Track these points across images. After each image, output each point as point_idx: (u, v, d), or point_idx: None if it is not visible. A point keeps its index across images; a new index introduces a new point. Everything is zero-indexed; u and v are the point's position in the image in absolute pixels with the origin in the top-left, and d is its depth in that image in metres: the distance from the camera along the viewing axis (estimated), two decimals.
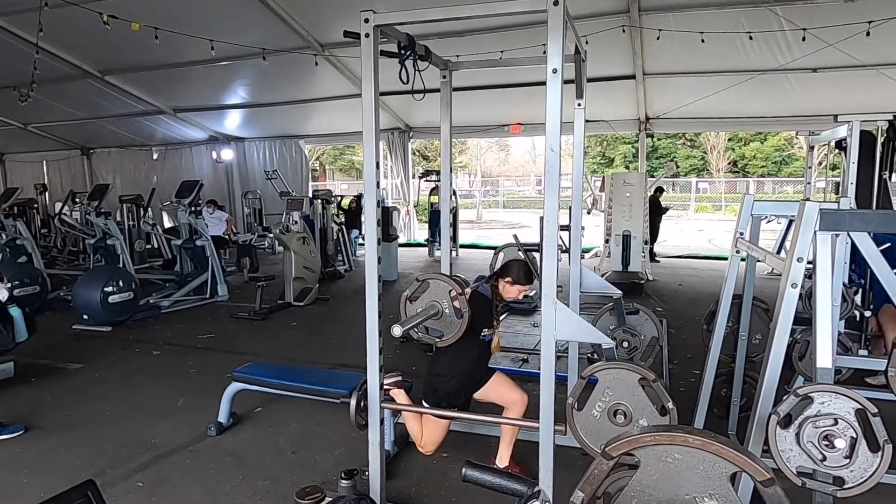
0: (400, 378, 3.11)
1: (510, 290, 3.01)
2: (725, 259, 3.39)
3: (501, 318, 3.16)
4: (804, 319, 2.90)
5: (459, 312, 2.58)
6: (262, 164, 13.68)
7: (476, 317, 2.72)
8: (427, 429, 3.06)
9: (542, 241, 2.33)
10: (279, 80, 10.20)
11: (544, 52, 2.21)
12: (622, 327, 3.78)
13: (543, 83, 2.20)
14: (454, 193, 11.88)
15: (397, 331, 2.45)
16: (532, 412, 2.49)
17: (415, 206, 14.35)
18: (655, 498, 1.17)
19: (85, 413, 4.16)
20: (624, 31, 7.60)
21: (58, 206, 13.08)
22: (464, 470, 1.21)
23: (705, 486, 1.15)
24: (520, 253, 3.51)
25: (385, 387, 2.86)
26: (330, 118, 12.07)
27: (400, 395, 3.08)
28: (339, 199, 11.93)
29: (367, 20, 2.42)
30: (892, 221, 2.37)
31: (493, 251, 6.76)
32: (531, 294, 6.93)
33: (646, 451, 1.17)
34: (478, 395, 3.12)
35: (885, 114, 5.05)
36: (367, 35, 2.43)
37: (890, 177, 5.36)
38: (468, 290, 2.73)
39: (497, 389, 3.13)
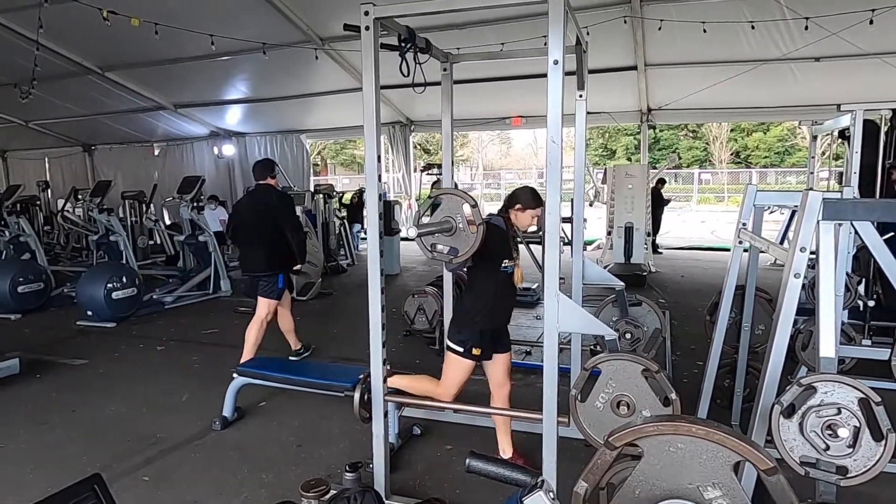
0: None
1: (523, 218, 2.98)
2: (728, 250, 3.39)
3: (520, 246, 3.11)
4: (807, 310, 2.90)
5: (473, 224, 2.51)
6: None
7: (494, 246, 2.71)
8: (448, 372, 3.02)
9: (544, 233, 2.32)
10: (280, 75, 10.17)
11: (545, 44, 2.20)
12: (625, 319, 3.78)
13: (545, 75, 2.20)
14: (456, 187, 11.84)
15: (413, 232, 2.41)
16: (535, 404, 2.50)
17: (417, 200, 14.34)
18: (659, 487, 1.17)
19: (90, 408, 4.18)
20: (625, 21, 7.55)
21: (60, 202, 13.10)
22: (468, 461, 1.21)
23: (708, 476, 1.15)
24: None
25: None
26: (331, 112, 12.04)
27: (394, 380, 3.08)
28: (340, 195, 11.92)
29: (367, 13, 2.42)
30: (895, 210, 2.36)
31: None
32: (534, 286, 6.96)
33: (649, 441, 1.18)
34: (484, 363, 3.11)
35: (889, 102, 5.03)
36: (367, 28, 2.43)
37: (894, 166, 5.33)
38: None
39: (497, 364, 3.12)
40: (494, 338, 3.06)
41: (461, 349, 2.96)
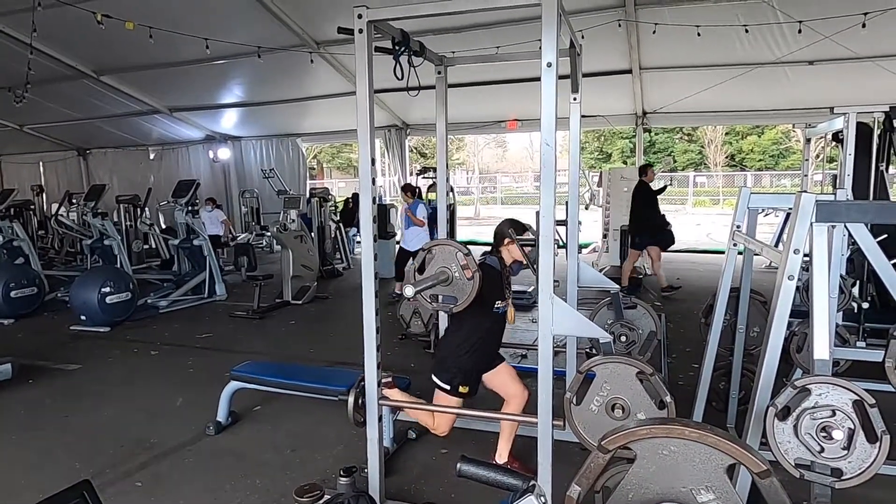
0: (390, 379, 3.09)
1: (515, 249, 2.99)
2: (723, 253, 3.39)
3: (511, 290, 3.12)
4: (802, 312, 2.90)
5: (470, 274, 2.52)
6: (260, 162, 13.64)
7: (487, 289, 2.71)
8: (439, 413, 3.04)
9: (538, 236, 2.32)
10: (275, 79, 10.16)
11: (540, 48, 2.20)
12: (620, 322, 3.78)
13: (539, 78, 2.19)
14: (451, 190, 11.84)
15: (409, 291, 2.41)
16: (531, 407, 2.50)
17: None
18: (652, 490, 1.17)
19: (83, 413, 4.16)
20: (620, 25, 7.57)
21: (54, 207, 13.05)
22: (458, 465, 1.21)
23: (702, 479, 1.15)
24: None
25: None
26: (327, 116, 12.04)
27: (394, 394, 3.08)
28: (335, 201, 11.90)
29: (360, 16, 2.42)
30: (888, 212, 2.37)
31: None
32: (529, 290, 6.96)
33: (642, 444, 1.17)
34: (483, 377, 3.11)
35: (882, 105, 5.04)
36: (360, 31, 2.42)
37: (887, 168, 5.35)
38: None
39: (502, 378, 3.12)
40: (483, 371, 3.07)
41: (448, 387, 2.96)
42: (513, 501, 1.06)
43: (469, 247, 2.65)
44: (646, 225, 7.73)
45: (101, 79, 10.36)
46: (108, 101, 11.21)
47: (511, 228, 2.99)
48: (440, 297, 2.58)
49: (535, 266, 2.37)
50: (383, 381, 2.99)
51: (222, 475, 3.25)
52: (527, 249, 2.97)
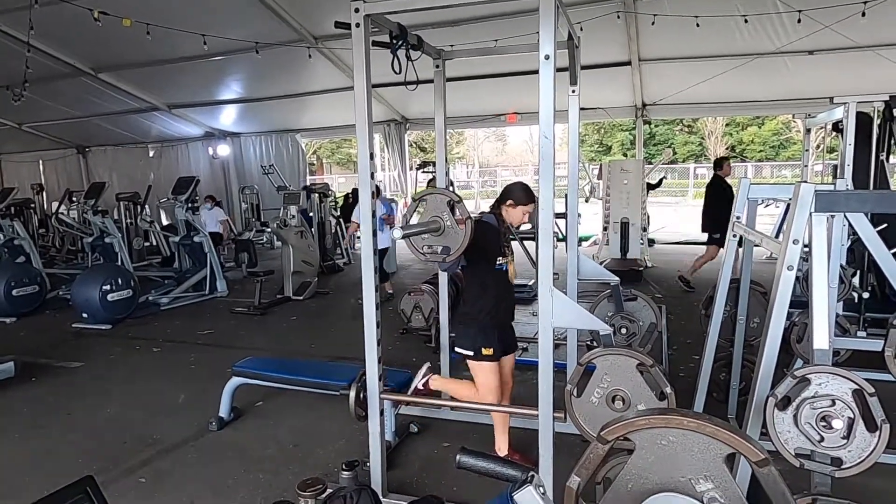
0: (429, 365, 3.14)
1: (514, 214, 2.97)
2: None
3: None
4: (802, 302, 2.90)
5: (461, 221, 2.49)
6: (259, 159, 13.62)
7: (487, 244, 2.73)
8: (479, 380, 3.01)
9: (538, 229, 2.32)
10: (273, 74, 10.14)
11: (538, 40, 2.19)
12: (620, 314, 3.78)
13: (538, 71, 2.19)
14: (451, 184, 11.83)
15: (398, 233, 2.40)
16: (532, 400, 2.50)
17: (413, 199, 14.32)
18: (651, 480, 1.17)
19: (86, 411, 4.17)
20: (619, 17, 7.55)
21: (55, 205, 13.06)
22: (458, 457, 1.21)
23: (700, 468, 1.15)
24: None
25: (423, 381, 3.04)
26: (326, 112, 12.01)
27: (436, 381, 3.11)
28: (335, 196, 11.90)
29: (357, 10, 2.41)
30: (888, 201, 2.37)
31: None
32: (530, 283, 6.95)
33: (641, 434, 1.18)
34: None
35: (882, 94, 5.02)
36: (357, 25, 2.42)
37: (887, 158, 5.34)
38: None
39: (504, 363, 3.12)
40: (502, 337, 3.06)
41: (471, 352, 2.96)
42: (511, 492, 1.07)
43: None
44: (722, 219, 7.44)
45: (99, 76, 10.34)
46: (107, 98, 11.19)
47: (520, 193, 2.96)
48: (431, 247, 2.54)
49: (534, 257, 2.37)
50: (424, 370, 3.06)
51: (225, 470, 3.26)
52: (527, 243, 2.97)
